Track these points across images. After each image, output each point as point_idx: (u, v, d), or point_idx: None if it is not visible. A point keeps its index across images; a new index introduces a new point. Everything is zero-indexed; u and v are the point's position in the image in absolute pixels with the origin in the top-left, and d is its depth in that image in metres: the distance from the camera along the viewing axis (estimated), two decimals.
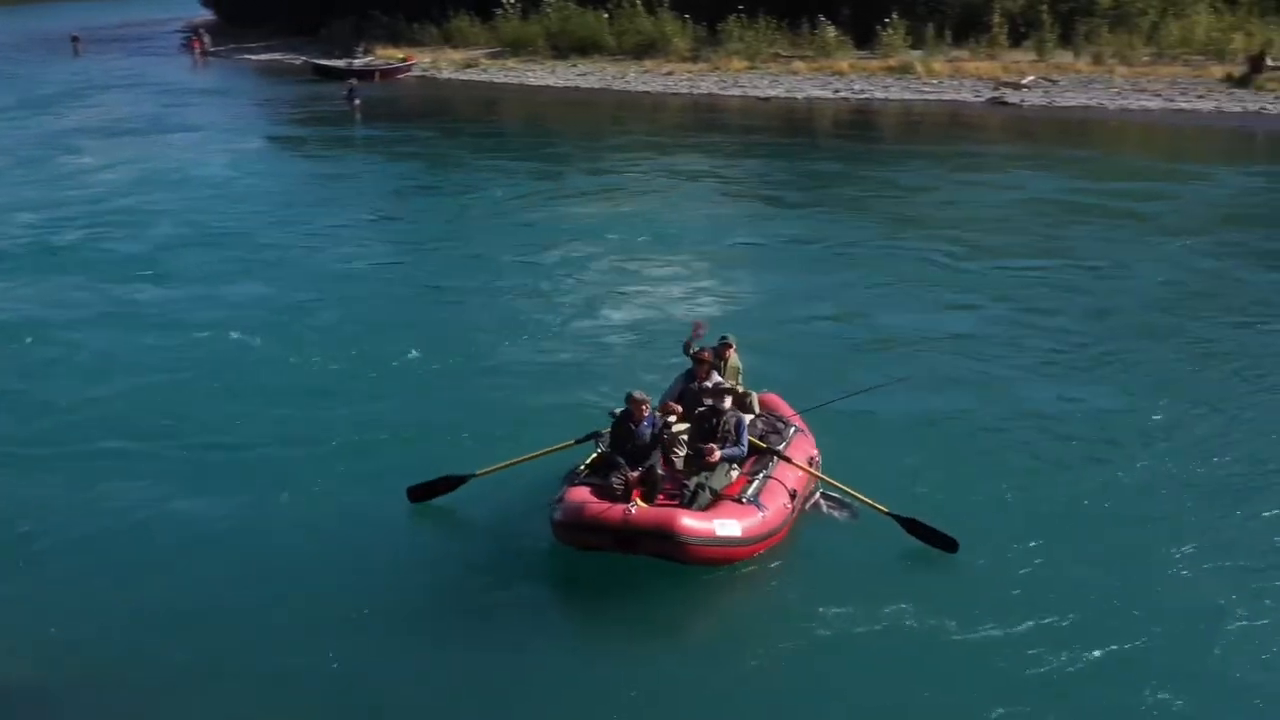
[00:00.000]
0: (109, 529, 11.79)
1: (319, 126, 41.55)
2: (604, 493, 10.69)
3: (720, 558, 10.45)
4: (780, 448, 11.65)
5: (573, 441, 11.77)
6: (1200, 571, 10.71)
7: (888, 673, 9.34)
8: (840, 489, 11.57)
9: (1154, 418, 14.11)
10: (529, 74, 54.14)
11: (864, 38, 51.22)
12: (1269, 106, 39.41)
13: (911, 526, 11.09)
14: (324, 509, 12.00)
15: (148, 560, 11.23)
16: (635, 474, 10.87)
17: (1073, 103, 41.86)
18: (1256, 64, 42.77)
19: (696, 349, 12.49)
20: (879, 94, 45.43)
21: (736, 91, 47.47)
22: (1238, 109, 39.59)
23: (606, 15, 56.75)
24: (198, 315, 18.65)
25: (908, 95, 44.86)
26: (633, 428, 11.12)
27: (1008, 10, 50.45)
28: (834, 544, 11.24)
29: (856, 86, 46.63)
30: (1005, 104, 42.29)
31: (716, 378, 12.13)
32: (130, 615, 10.32)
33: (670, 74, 51.67)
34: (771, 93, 46.62)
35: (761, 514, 10.65)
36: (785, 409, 12.61)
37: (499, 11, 59.26)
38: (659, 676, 9.44)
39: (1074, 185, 28.70)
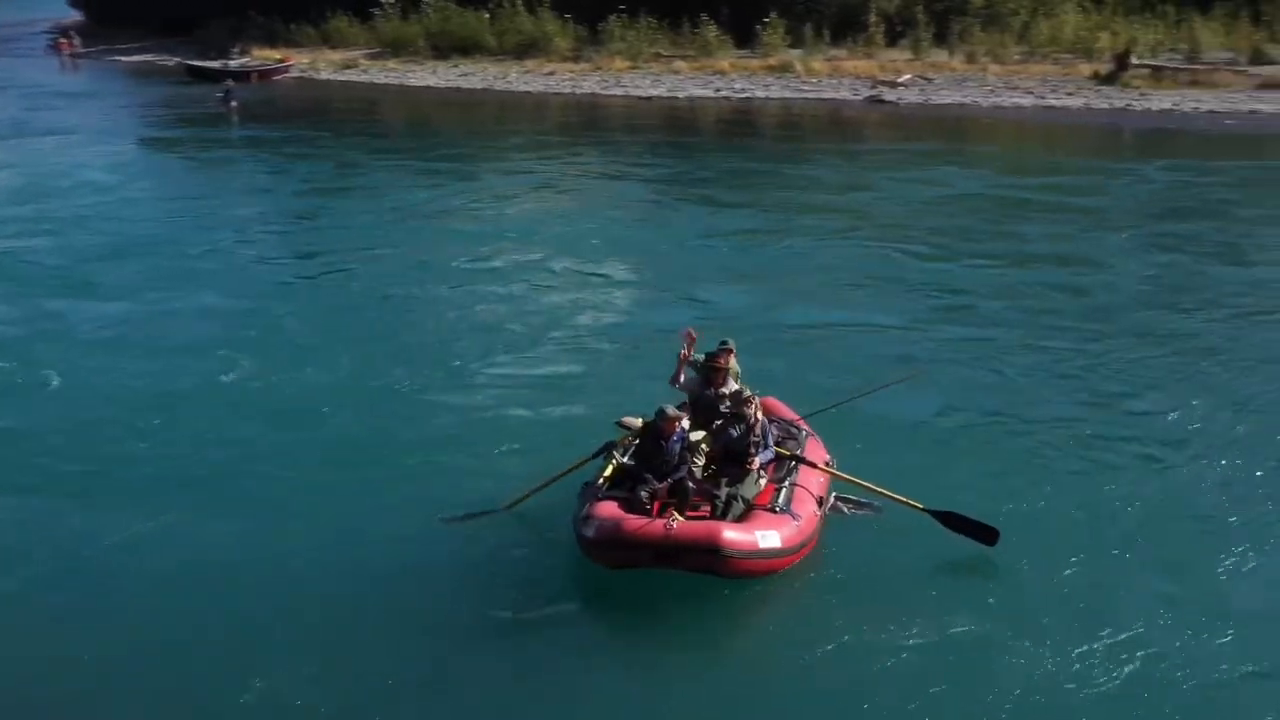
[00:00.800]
0: (72, 562, 11.15)
1: (195, 128, 40.62)
2: (632, 507, 10.28)
3: (762, 570, 10.12)
4: (798, 453, 11.44)
5: (590, 456, 11.47)
6: (1241, 572, 10.63)
7: (925, 680, 9.08)
8: (870, 489, 11.28)
9: (1138, 408, 14.35)
10: (410, 75, 53.65)
11: (744, 37, 51.68)
12: (1134, 103, 40.63)
13: (947, 520, 10.85)
14: (318, 533, 11.49)
15: (133, 592, 10.66)
16: (663, 486, 10.54)
17: (948, 100, 42.70)
18: (1122, 62, 44.09)
19: (699, 357, 12.04)
20: (760, 93, 45.86)
21: (619, 91, 47.56)
22: (1105, 106, 40.76)
23: (487, 15, 56.46)
24: (138, 332, 17.69)
25: (788, 94, 45.36)
26: (662, 444, 10.74)
27: (884, 10, 51.31)
28: (861, 548, 10.94)
29: (738, 85, 47.03)
30: (883, 102, 42.99)
31: (733, 384, 11.79)
32: (131, 645, 9.84)
33: (552, 74, 51.61)
34: (654, 92, 46.81)
35: (797, 522, 10.38)
36: (788, 412, 12.38)
37: (377, 12, 58.62)
38: (697, 692, 9.14)
39: (953, 180, 29.23)
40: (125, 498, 12.16)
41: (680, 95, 46.13)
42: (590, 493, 10.72)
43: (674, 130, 39.53)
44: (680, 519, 10.03)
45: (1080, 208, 26.02)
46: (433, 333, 17.59)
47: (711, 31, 51.69)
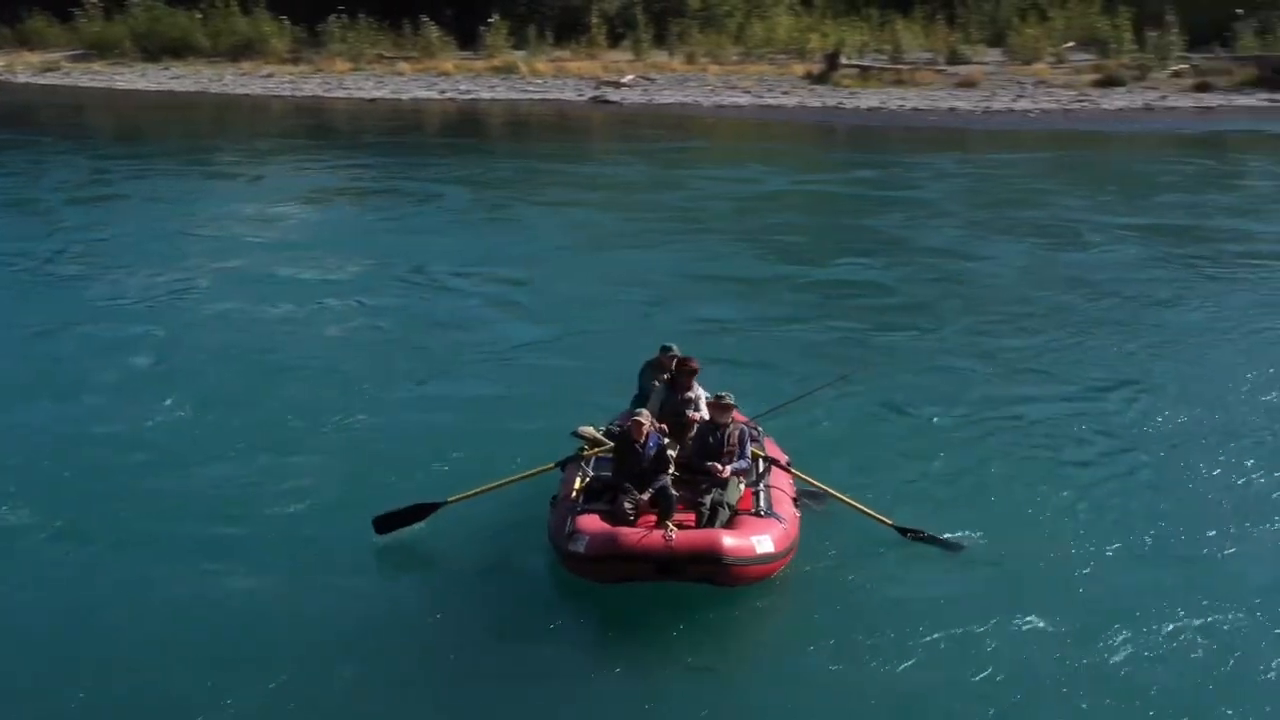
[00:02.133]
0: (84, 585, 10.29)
1: None
2: (617, 519, 9.90)
3: (759, 575, 9.87)
4: (760, 454, 11.21)
5: (552, 465, 11.01)
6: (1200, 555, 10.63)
7: (911, 681, 8.88)
8: (844, 501, 11.02)
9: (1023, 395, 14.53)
10: (117, 77, 51.17)
11: (467, 38, 51.51)
12: (845, 101, 42.46)
13: (915, 537, 10.73)
14: (285, 551, 10.70)
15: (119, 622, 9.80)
16: (646, 496, 10.14)
17: (670, 100, 43.66)
18: (832, 62, 46.06)
19: (668, 357, 11.83)
20: (485, 94, 45.80)
21: (341, 93, 46.66)
22: (819, 104, 42.48)
23: (199, 15, 54.43)
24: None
25: (513, 95, 45.45)
26: (637, 449, 10.35)
27: (605, 11, 52.07)
28: (833, 544, 10.73)
29: (463, 87, 46.83)
30: (608, 102, 43.59)
31: (699, 389, 11.45)
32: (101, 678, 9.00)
33: (270, 76, 50.17)
34: (377, 94, 46.11)
35: (784, 525, 10.15)
36: (740, 416, 11.83)
37: (79, 12, 55.65)
38: (673, 702, 8.81)
39: (670, 174, 29.91)
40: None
41: (404, 97, 45.60)
42: (566, 506, 10.27)
43: (402, 132, 39.05)
44: (676, 529, 9.66)
45: (822, 195, 27.08)
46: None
47: (434, 33, 51.29)
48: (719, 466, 10.42)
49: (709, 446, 10.64)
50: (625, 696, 8.81)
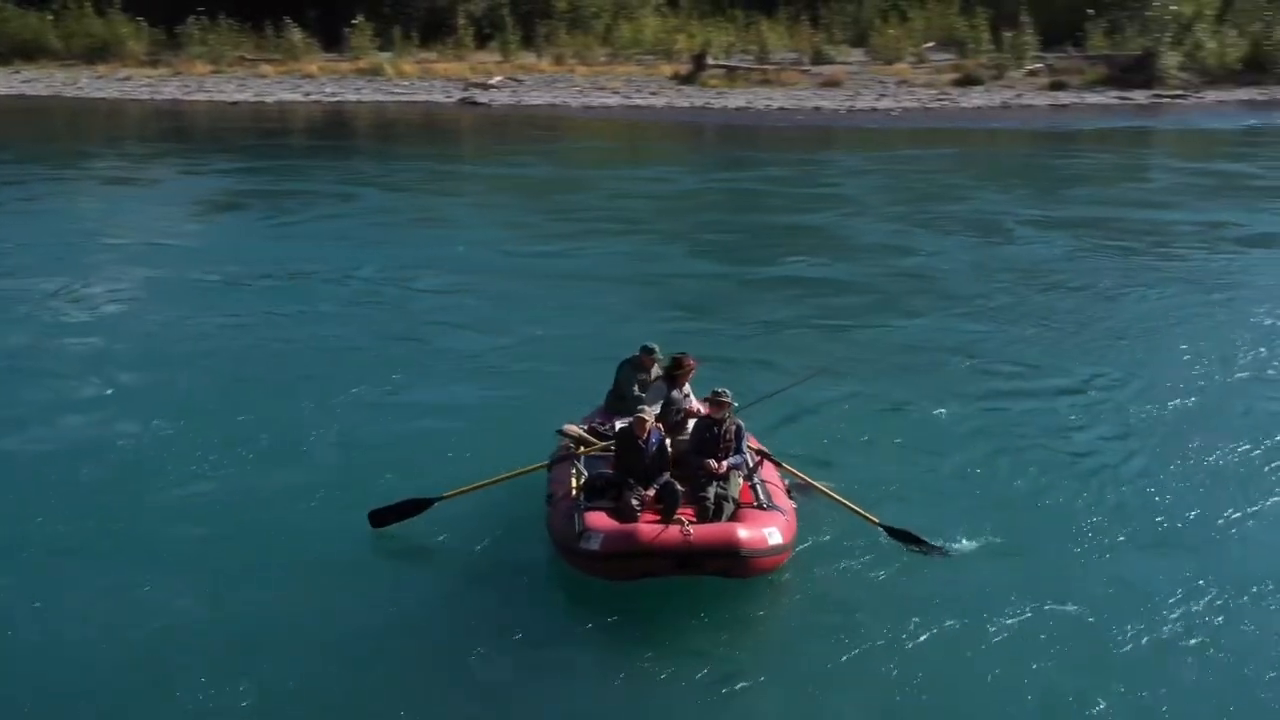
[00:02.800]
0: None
1: None
2: (624, 516, 9.91)
3: (770, 567, 9.94)
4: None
5: (545, 464, 10.97)
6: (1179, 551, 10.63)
7: (898, 673, 8.85)
8: (822, 491, 11.05)
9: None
10: None
11: (331, 40, 50.83)
12: (713, 101, 42.86)
13: (902, 537, 10.66)
14: (282, 548, 10.42)
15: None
16: (651, 493, 10.18)
17: (539, 101, 43.62)
18: (699, 63, 46.47)
19: (649, 357, 11.90)
20: (351, 96, 45.22)
21: (202, 96, 45.65)
22: (687, 104, 42.80)
23: (50, 16, 52.79)
24: None
25: (380, 97, 44.97)
26: (640, 446, 10.41)
27: (471, 13, 51.80)
28: (822, 536, 10.74)
29: (328, 89, 46.19)
30: (476, 104, 43.36)
31: (687, 388, 11.53)
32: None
33: (128, 79, 48.87)
34: (240, 97, 45.22)
35: (786, 517, 10.21)
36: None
37: None
38: (676, 696, 8.69)
39: (568, 175, 29.90)
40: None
41: (269, 100, 44.78)
42: (569, 505, 10.18)
43: (266, 136, 38.26)
44: (692, 525, 9.69)
45: (711, 193, 27.23)
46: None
47: (297, 34, 50.49)
48: (714, 463, 10.45)
49: (706, 442, 10.66)
50: (626, 692, 8.76)
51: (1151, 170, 32.46)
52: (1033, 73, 46.46)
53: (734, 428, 10.74)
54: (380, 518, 10.59)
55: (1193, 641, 9.18)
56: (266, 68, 49.24)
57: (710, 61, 46.47)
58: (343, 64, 49.55)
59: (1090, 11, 48.50)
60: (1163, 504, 11.45)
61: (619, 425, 11.20)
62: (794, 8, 52.32)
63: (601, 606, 9.60)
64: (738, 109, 41.87)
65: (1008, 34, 47.25)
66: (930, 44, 49.80)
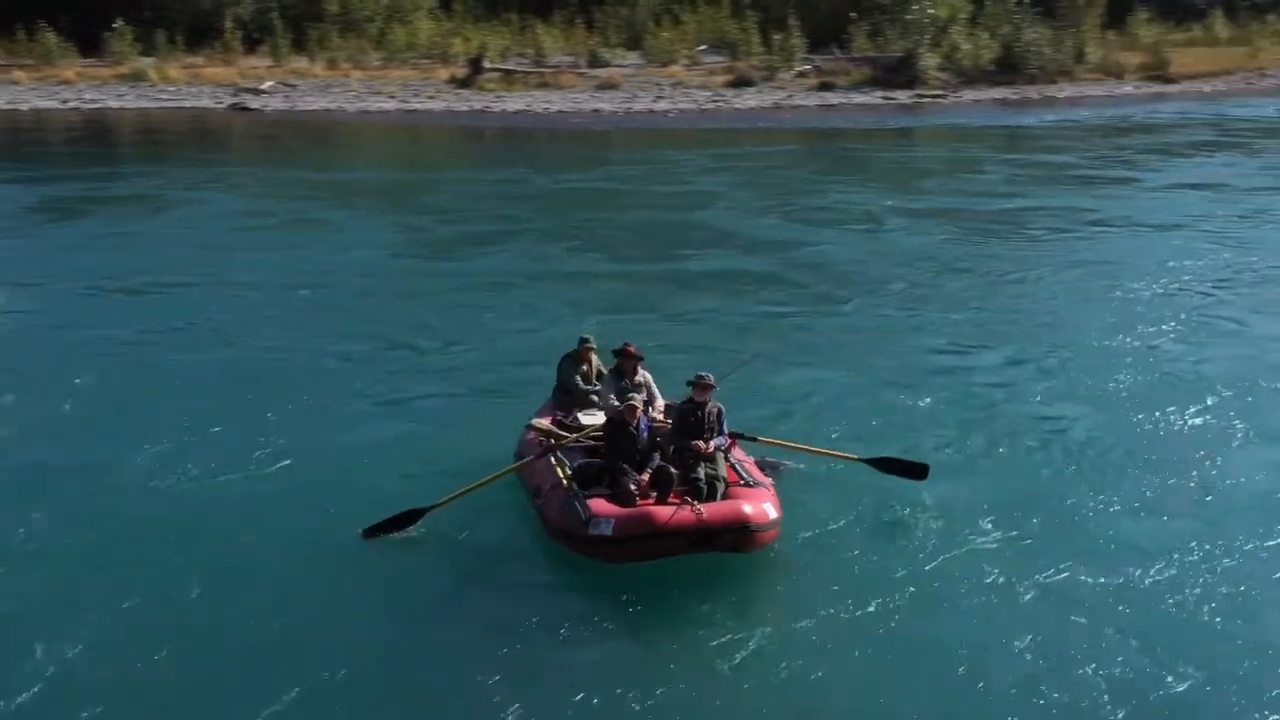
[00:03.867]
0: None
1: None
2: (625, 500, 10.19)
3: (771, 540, 10.33)
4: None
5: (528, 460, 11.04)
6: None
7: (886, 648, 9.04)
8: (808, 450, 11.70)
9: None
10: None
11: (90, 45, 48.67)
12: (492, 105, 42.77)
13: (880, 464, 11.39)
14: (270, 561, 10.14)
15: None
16: (646, 477, 10.46)
17: (314, 106, 42.74)
18: (476, 66, 46.27)
19: (585, 348, 12.21)
20: (113, 102, 43.45)
21: None
22: (466, 108, 42.60)
23: None
24: None
25: (145, 103, 43.33)
26: (632, 432, 10.71)
27: (239, 17, 50.38)
28: (801, 509, 10.99)
29: (88, 95, 44.23)
30: (248, 109, 42.20)
31: (644, 374, 11.81)
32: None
33: None
34: None
35: (772, 492, 10.55)
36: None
37: None
38: (688, 675, 8.70)
39: (323, 177, 29.29)
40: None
41: (23, 107, 42.62)
42: (564, 495, 10.35)
43: (29, 144, 36.45)
44: (698, 505, 10.03)
45: (477, 194, 27.06)
46: None
47: (52, 39, 48.18)
48: (703, 444, 10.70)
49: (690, 425, 10.89)
50: (641, 673, 8.77)
51: (970, 163, 33.65)
52: (801, 74, 47.92)
53: (716, 410, 11.05)
54: (374, 532, 10.52)
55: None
56: (20, 74, 46.80)
57: (487, 65, 46.37)
58: (103, 69, 47.53)
59: (853, 15, 50.32)
60: (1080, 439, 12.71)
61: (583, 417, 11.62)
62: (569, 11, 52.63)
63: (601, 592, 9.76)
64: (517, 112, 41.89)
65: (776, 36, 48.59)
66: (703, 46, 50.83)
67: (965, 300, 18.39)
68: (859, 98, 45.44)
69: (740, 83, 46.30)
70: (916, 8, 50.12)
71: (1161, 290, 18.63)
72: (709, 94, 44.89)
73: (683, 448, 10.72)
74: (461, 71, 46.49)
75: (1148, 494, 11.40)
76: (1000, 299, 18.67)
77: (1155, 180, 29.37)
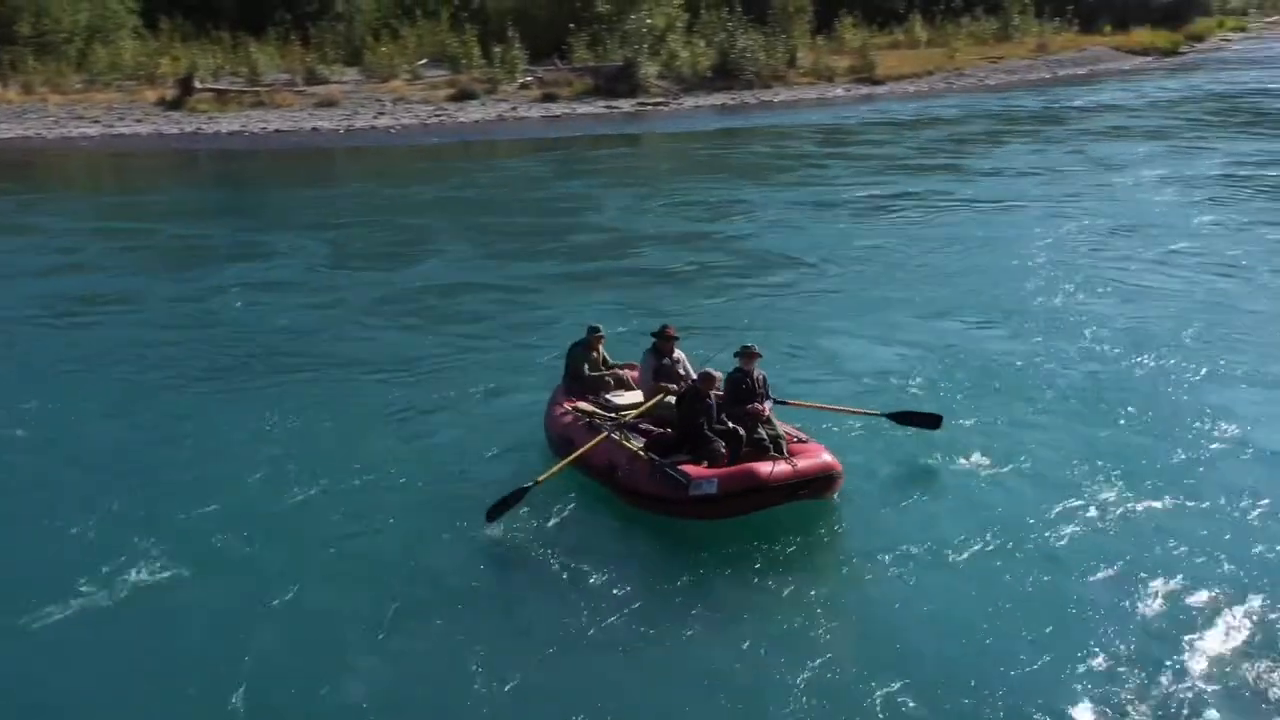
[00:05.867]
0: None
1: None
2: (715, 461, 11.23)
3: (841, 486, 11.54)
4: None
5: (601, 438, 11.87)
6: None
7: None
8: (833, 409, 13.01)
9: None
10: None
11: None
12: (205, 127, 41.13)
13: (898, 418, 12.74)
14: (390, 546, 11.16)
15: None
16: (719, 442, 11.38)
17: (10, 135, 40.09)
18: (187, 87, 44.32)
19: (596, 336, 13.31)
20: None
21: None
22: (176, 130, 40.88)
23: None
24: None
25: None
26: (710, 402, 11.60)
27: None
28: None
29: None
30: None
31: (679, 353, 12.79)
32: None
33: None
34: None
35: (824, 445, 11.74)
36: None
37: None
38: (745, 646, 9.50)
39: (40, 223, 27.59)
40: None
41: None
42: (651, 465, 11.35)
43: None
44: (786, 459, 11.22)
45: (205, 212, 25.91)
46: None
47: None
48: (759, 406, 11.80)
49: (742, 392, 11.88)
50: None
51: (721, 160, 34.30)
52: (524, 86, 47.91)
53: (762, 376, 12.16)
54: (494, 511, 11.26)
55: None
56: None
57: (198, 85, 44.47)
58: None
59: (571, 26, 50.61)
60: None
61: (615, 399, 12.77)
62: (283, 28, 51.03)
63: (682, 548, 10.94)
64: (232, 133, 40.45)
65: (497, 49, 48.40)
66: (424, 60, 50.14)
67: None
68: (583, 108, 45.78)
69: (463, 96, 45.94)
70: (634, 17, 50.79)
71: (1014, 260, 21.33)
72: (431, 108, 44.39)
73: (738, 413, 11.68)
74: (171, 93, 44.42)
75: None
76: (870, 271, 20.84)
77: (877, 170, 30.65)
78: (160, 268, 22.62)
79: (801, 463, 11.22)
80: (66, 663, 9.37)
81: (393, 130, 41.26)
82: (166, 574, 10.53)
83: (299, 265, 22.22)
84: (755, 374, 12.07)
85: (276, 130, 40.73)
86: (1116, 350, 16.04)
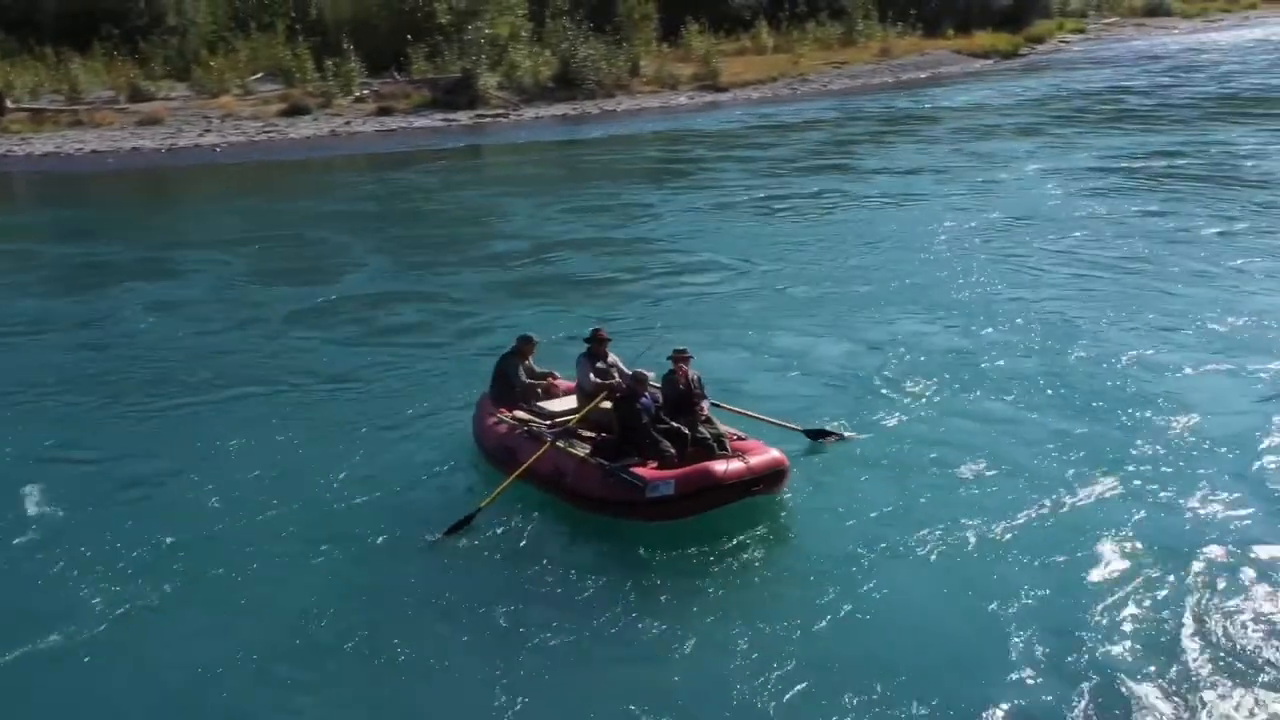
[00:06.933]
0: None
1: None
2: (666, 463, 11.36)
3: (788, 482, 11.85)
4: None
5: (547, 447, 11.96)
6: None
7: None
8: (757, 418, 13.08)
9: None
10: None
11: None
12: (16, 148, 39.36)
13: (815, 434, 13.13)
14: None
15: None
16: (665, 442, 11.58)
17: None
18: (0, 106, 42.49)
19: (527, 344, 13.46)
20: None
21: None
22: None
23: None
24: None
25: None
26: (645, 403, 11.73)
27: None
28: None
29: None
30: None
31: (613, 356, 12.90)
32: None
33: None
34: None
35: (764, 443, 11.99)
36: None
37: None
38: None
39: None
40: None
41: None
42: (601, 469, 11.43)
43: None
44: (737, 457, 11.43)
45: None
46: None
47: None
48: (704, 406, 12.11)
49: (680, 392, 12.07)
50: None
51: (589, 168, 33.67)
52: (360, 99, 46.85)
53: (697, 377, 12.36)
54: (451, 531, 11.46)
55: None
56: None
57: (11, 105, 42.59)
58: None
59: (409, 37, 49.64)
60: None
61: (549, 406, 12.80)
62: (110, 43, 49.08)
63: (653, 550, 11.04)
64: (45, 154, 38.79)
65: (332, 62, 47.24)
66: (258, 75, 48.75)
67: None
68: (419, 121, 44.96)
69: (295, 111, 44.72)
70: (473, 28, 50.01)
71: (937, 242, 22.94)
72: (261, 124, 43.14)
73: (675, 413, 11.89)
74: None
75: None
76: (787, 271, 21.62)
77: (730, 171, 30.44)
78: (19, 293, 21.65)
79: (753, 460, 11.48)
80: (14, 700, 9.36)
81: (218, 149, 39.96)
82: (115, 608, 10.52)
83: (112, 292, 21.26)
84: (691, 374, 12.32)
85: (93, 150, 39.18)
86: (1037, 337, 16.91)
